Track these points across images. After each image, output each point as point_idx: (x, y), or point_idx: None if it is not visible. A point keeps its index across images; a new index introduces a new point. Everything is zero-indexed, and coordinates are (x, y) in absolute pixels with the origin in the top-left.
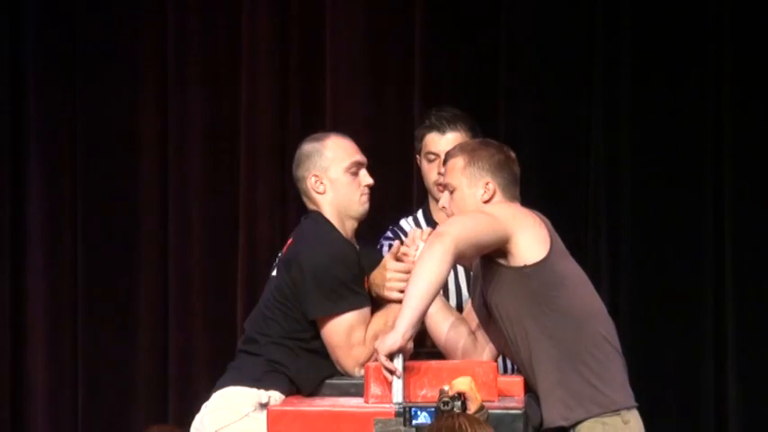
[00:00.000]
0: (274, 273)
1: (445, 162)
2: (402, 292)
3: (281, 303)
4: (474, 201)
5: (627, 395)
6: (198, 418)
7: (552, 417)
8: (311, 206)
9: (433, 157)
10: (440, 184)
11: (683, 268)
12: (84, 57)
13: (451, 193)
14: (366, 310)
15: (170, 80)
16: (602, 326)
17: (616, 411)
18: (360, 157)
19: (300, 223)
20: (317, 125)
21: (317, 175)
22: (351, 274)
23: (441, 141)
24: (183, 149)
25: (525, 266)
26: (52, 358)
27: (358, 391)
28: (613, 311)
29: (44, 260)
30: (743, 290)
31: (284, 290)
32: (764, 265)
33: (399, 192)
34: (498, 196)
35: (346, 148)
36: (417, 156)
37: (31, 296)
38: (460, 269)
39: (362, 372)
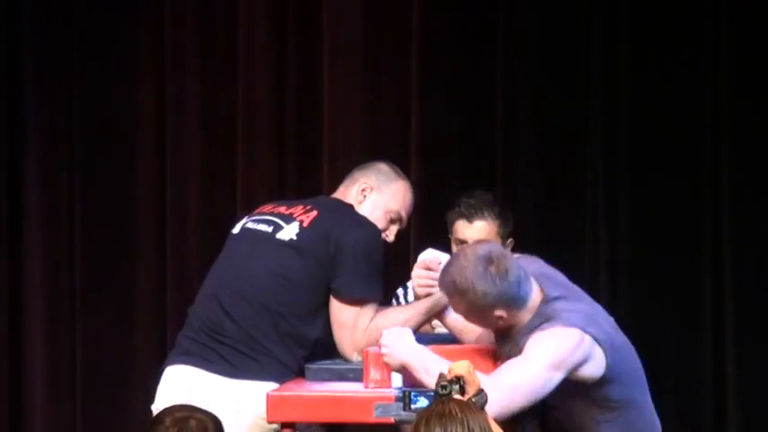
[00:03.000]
0: (264, 228)
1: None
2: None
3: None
4: (493, 323)
5: None
6: (233, 395)
7: None
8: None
9: (460, 243)
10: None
11: (683, 252)
12: (82, 43)
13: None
14: (379, 303)
15: (167, 65)
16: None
17: None
18: (405, 215)
19: (318, 198)
20: (314, 108)
21: (370, 187)
22: (382, 261)
23: (468, 229)
24: (180, 134)
25: (586, 382)
26: (50, 345)
27: (356, 376)
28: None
29: (42, 247)
30: (742, 276)
31: (310, 261)
32: (763, 252)
33: None
34: (513, 313)
35: (405, 199)
36: (450, 235)
37: (29, 282)
38: None
39: (358, 356)
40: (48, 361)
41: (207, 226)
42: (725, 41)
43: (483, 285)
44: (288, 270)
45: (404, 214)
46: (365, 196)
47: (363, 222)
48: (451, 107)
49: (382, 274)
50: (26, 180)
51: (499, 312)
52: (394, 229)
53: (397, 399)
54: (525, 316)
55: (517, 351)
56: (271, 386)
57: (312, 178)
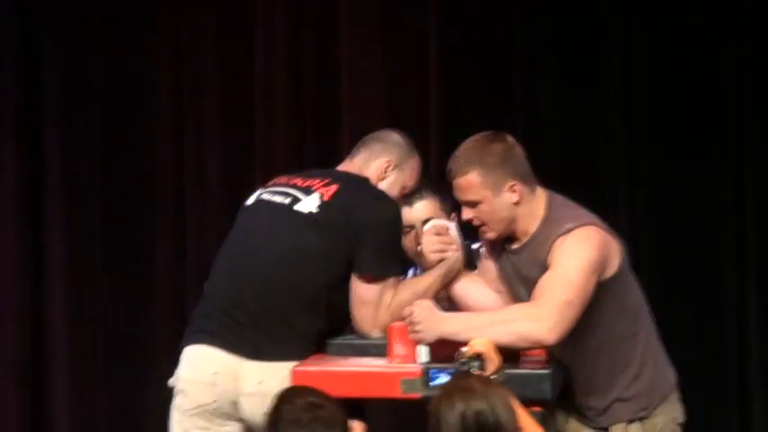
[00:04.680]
0: (280, 199)
1: (453, 178)
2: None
3: (325, 250)
4: (506, 207)
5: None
6: (256, 377)
7: (626, 413)
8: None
9: (407, 229)
10: (462, 202)
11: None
12: (101, 24)
13: (474, 206)
14: (399, 278)
15: (183, 36)
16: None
17: (673, 390)
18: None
19: (333, 171)
20: (333, 81)
21: (394, 164)
22: (401, 236)
23: (411, 212)
24: (198, 105)
25: (606, 280)
26: (71, 318)
27: (379, 351)
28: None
29: (63, 219)
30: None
31: (331, 235)
32: None
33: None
34: (525, 191)
35: (418, 175)
36: None
37: (49, 255)
38: None
39: (378, 333)
40: (69, 333)
41: (226, 196)
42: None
43: (496, 147)
44: (307, 242)
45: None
46: (387, 173)
47: (385, 198)
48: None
49: (400, 246)
50: (46, 152)
51: (512, 183)
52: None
53: (423, 374)
54: (534, 218)
55: (535, 267)
56: (289, 366)
57: (332, 146)
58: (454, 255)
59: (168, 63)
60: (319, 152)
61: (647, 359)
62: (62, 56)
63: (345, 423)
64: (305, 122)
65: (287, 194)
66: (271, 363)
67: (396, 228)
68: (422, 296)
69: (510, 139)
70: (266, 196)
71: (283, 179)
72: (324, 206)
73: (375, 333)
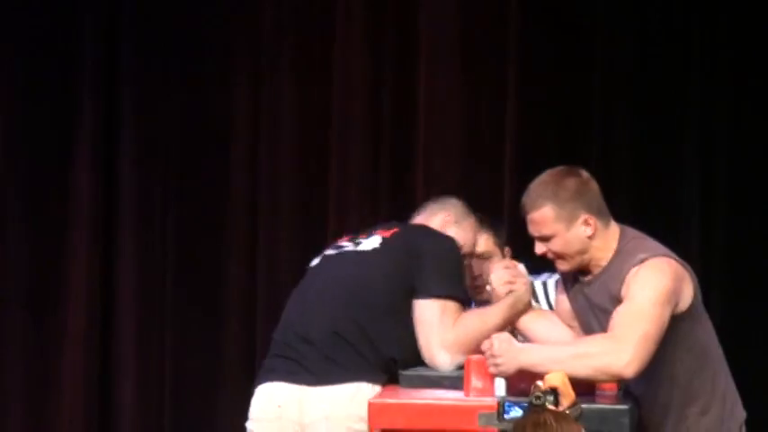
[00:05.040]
0: (345, 246)
1: (526, 213)
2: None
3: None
4: (579, 240)
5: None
6: (318, 403)
7: None
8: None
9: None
10: (535, 237)
11: None
12: (179, 49)
13: (548, 240)
14: (463, 303)
15: (263, 66)
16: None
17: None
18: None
19: (395, 222)
20: (410, 112)
21: (452, 219)
22: (461, 265)
23: None
24: (274, 138)
25: (679, 313)
26: (141, 345)
27: (452, 383)
28: None
29: (135, 248)
30: None
31: (389, 264)
32: None
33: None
34: (600, 225)
35: (477, 235)
36: None
37: (121, 284)
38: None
39: (444, 355)
40: (138, 361)
41: (298, 231)
42: None
43: (570, 181)
44: (366, 270)
45: (474, 249)
46: (447, 228)
47: (444, 234)
48: (549, 115)
49: (464, 281)
50: (120, 180)
51: (586, 217)
52: (466, 261)
53: None
54: (608, 251)
55: (608, 300)
56: (354, 387)
57: (406, 183)
58: (523, 287)
59: (244, 91)
60: (395, 188)
61: (715, 395)
62: (139, 83)
63: None
64: (380, 157)
65: (350, 243)
66: (334, 386)
67: (455, 255)
68: (489, 323)
69: (584, 173)
70: (330, 251)
71: (346, 237)
72: (385, 241)
73: (442, 356)
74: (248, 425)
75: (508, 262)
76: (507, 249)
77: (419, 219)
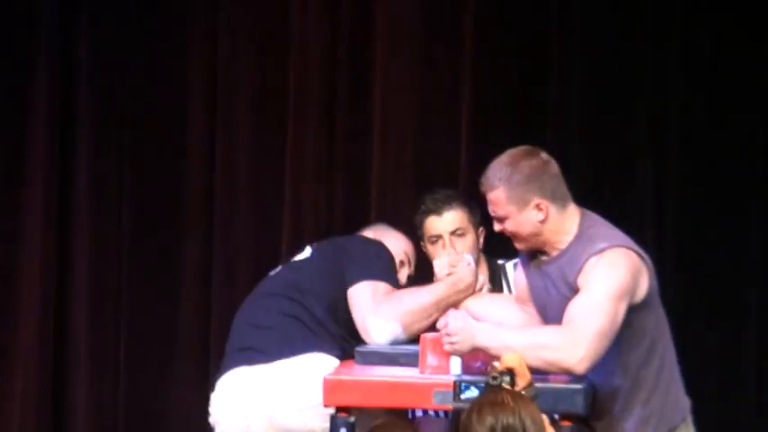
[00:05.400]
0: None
1: (483, 192)
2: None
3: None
4: (531, 224)
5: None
6: (275, 378)
7: None
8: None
9: (435, 239)
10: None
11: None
12: (135, 23)
13: (502, 221)
14: (391, 286)
15: (219, 42)
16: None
17: (685, 420)
18: (411, 259)
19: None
20: (366, 83)
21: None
22: (389, 259)
23: (440, 222)
24: (230, 109)
25: (634, 305)
26: (95, 317)
27: (408, 360)
28: None
29: (89, 219)
30: None
31: (322, 263)
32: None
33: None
34: (553, 210)
35: (407, 244)
36: (422, 243)
37: (75, 253)
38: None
39: (374, 323)
40: (92, 333)
41: (255, 199)
42: None
43: (525, 164)
44: (304, 271)
45: (410, 257)
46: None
47: (369, 238)
48: (504, 87)
49: (394, 271)
50: (76, 150)
51: (539, 202)
52: (403, 271)
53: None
54: (564, 235)
55: (563, 284)
56: (312, 357)
57: (362, 154)
58: (465, 269)
59: (201, 62)
60: (349, 158)
61: (658, 386)
62: (96, 56)
63: None
64: (336, 130)
65: (285, 263)
66: (291, 358)
67: (382, 249)
68: (424, 296)
69: (544, 155)
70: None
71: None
72: (317, 248)
73: (372, 321)
74: (211, 418)
75: (456, 256)
76: (481, 230)
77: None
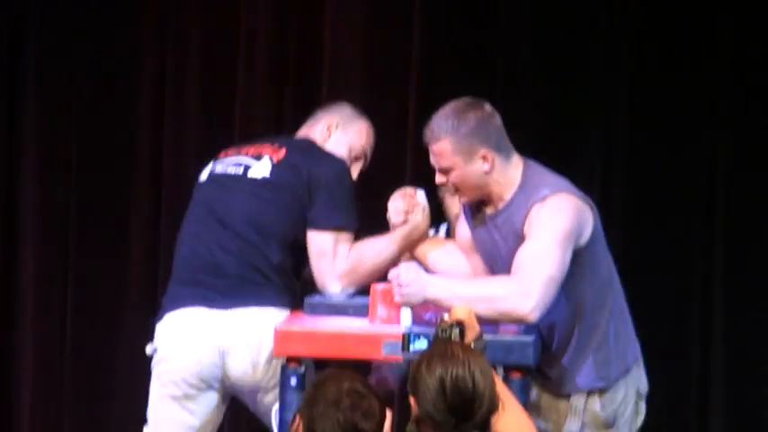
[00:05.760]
0: (233, 170)
1: (427, 144)
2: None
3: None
4: (477, 175)
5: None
6: (233, 326)
7: (586, 380)
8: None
9: None
10: (436, 167)
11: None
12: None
13: (447, 172)
14: (355, 232)
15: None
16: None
17: (636, 361)
18: (368, 153)
19: (282, 137)
20: (315, 45)
21: (335, 124)
22: (354, 193)
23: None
24: (180, 66)
25: (579, 248)
26: (42, 277)
27: (357, 311)
28: None
29: (36, 176)
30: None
31: (284, 195)
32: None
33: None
34: (498, 160)
35: (369, 137)
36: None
37: (22, 211)
38: None
39: (337, 285)
40: (39, 291)
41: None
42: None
43: (471, 116)
44: (264, 204)
45: (367, 152)
46: (330, 134)
47: (331, 156)
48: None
49: (356, 205)
50: (24, 134)
51: (484, 152)
52: (357, 166)
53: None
54: (509, 185)
55: (512, 235)
56: (267, 311)
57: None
58: (419, 216)
59: (149, 26)
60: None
61: (612, 329)
62: (44, 29)
63: (383, 420)
64: (284, 94)
65: (239, 164)
66: (248, 308)
67: (345, 183)
68: (382, 255)
69: (488, 107)
70: (219, 169)
71: (233, 150)
72: (275, 168)
73: (333, 285)
74: (159, 351)
75: (408, 189)
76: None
77: (304, 129)
